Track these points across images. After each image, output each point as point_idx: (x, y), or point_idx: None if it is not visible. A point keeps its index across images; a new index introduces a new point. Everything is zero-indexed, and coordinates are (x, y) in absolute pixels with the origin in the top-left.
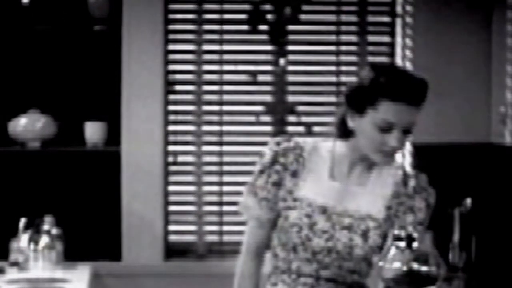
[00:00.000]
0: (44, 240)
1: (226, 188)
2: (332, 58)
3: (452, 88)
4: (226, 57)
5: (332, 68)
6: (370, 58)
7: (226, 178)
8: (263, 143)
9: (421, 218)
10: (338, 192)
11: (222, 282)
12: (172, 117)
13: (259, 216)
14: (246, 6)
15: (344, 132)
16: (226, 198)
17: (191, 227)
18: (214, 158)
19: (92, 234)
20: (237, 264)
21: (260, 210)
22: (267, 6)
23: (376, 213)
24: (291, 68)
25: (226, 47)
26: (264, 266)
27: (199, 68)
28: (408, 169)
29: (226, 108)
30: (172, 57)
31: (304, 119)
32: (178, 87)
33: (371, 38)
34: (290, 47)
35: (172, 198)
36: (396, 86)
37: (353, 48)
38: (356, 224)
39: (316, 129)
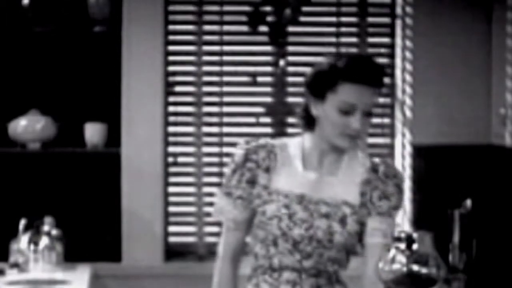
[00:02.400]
0: (44, 241)
1: None
2: None
3: (452, 89)
4: (226, 58)
5: None
6: None
7: None
8: None
9: (395, 203)
10: (312, 182)
11: None
12: (172, 118)
13: (235, 217)
14: (246, 8)
15: (309, 122)
16: None
17: (191, 228)
18: (214, 159)
19: (92, 235)
20: (214, 270)
21: (235, 209)
22: (267, 8)
23: (351, 199)
24: (291, 69)
25: (226, 48)
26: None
27: (199, 69)
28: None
29: (226, 109)
30: (172, 58)
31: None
32: (178, 88)
33: (371, 39)
34: (290, 48)
35: (172, 199)
36: (353, 68)
37: (353, 49)
38: (333, 212)
39: None
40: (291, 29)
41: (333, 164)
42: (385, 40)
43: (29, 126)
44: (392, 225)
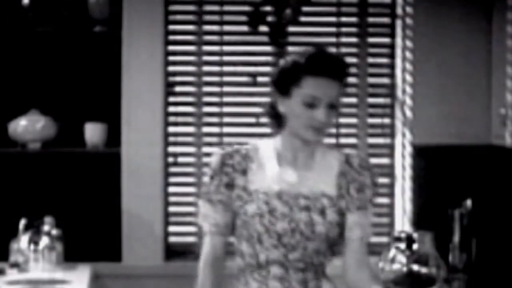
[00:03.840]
0: (44, 241)
1: None
2: None
3: (453, 89)
4: (226, 58)
5: None
6: (370, 60)
7: None
8: None
9: (370, 196)
10: (289, 178)
11: None
12: (172, 118)
13: (217, 222)
14: (246, 8)
15: (277, 119)
16: None
17: (191, 228)
18: None
19: (92, 235)
20: (198, 276)
21: (216, 214)
22: (267, 8)
23: (329, 191)
24: None
25: (226, 48)
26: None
27: (199, 69)
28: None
29: (226, 109)
30: (172, 58)
31: None
32: (178, 88)
33: (371, 39)
34: (290, 49)
35: (172, 199)
36: (316, 62)
37: (353, 49)
38: (313, 204)
39: None
40: (291, 29)
41: (307, 160)
42: (385, 40)
43: (29, 126)
44: (369, 218)
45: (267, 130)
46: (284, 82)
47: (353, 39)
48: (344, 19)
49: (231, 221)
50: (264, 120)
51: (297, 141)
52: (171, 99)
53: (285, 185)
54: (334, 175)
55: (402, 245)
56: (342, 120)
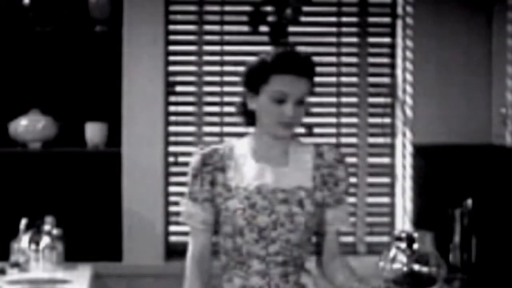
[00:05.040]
0: (44, 240)
1: None
2: (333, 59)
3: (453, 89)
4: (227, 58)
5: (333, 69)
6: (371, 60)
7: None
8: None
9: (345, 188)
10: (266, 173)
11: None
12: (172, 118)
13: (205, 219)
14: (246, 8)
15: (248, 117)
16: None
17: None
18: None
19: (92, 234)
20: (186, 273)
21: (203, 212)
22: (268, 8)
23: (305, 184)
24: None
25: (227, 48)
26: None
27: (199, 69)
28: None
29: (226, 109)
30: (172, 58)
31: (305, 119)
32: (179, 88)
33: (371, 39)
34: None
35: (172, 198)
36: (283, 60)
37: (353, 49)
38: (291, 197)
39: (317, 130)
40: (291, 29)
41: (281, 155)
42: (386, 40)
43: (29, 126)
44: (346, 210)
45: None
46: (253, 80)
47: (354, 39)
48: (344, 19)
49: (216, 218)
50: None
51: (269, 138)
52: (172, 98)
53: (263, 181)
54: (308, 169)
55: (403, 245)
56: (343, 119)
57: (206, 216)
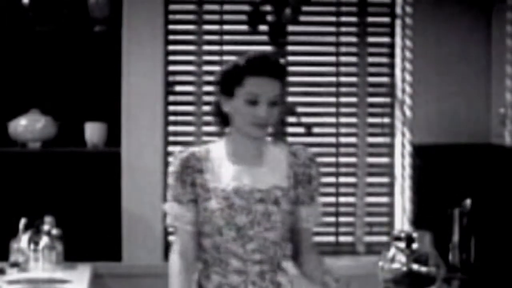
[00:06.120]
0: (44, 240)
1: None
2: (332, 59)
3: (452, 89)
4: (226, 58)
5: (332, 69)
6: (370, 59)
7: None
8: None
9: (317, 186)
10: (243, 174)
11: None
12: (172, 118)
13: (191, 219)
14: (246, 7)
15: (222, 119)
16: None
17: None
18: None
19: (92, 234)
20: (172, 271)
21: (188, 212)
22: (267, 7)
23: (280, 183)
24: (291, 69)
25: (226, 48)
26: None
27: (199, 68)
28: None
29: None
30: (172, 57)
31: (304, 119)
32: (178, 88)
33: (370, 39)
34: (290, 48)
35: None
36: (256, 63)
37: (352, 49)
38: (267, 196)
39: (316, 130)
40: (291, 28)
41: (257, 156)
42: (385, 39)
43: (29, 126)
44: (319, 207)
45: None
46: (227, 83)
47: (353, 39)
48: (343, 18)
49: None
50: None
51: (244, 139)
52: (171, 98)
53: (240, 181)
54: (283, 168)
55: (402, 245)
56: (342, 119)
57: (192, 216)
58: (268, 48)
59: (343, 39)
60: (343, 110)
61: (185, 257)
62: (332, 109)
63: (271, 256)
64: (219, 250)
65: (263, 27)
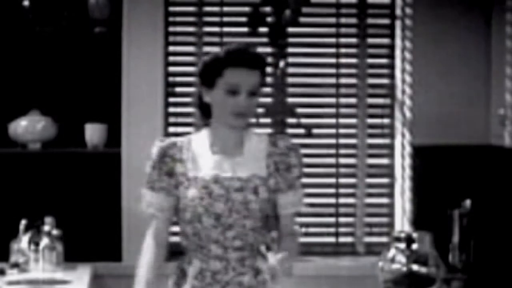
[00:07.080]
0: (44, 241)
1: None
2: (332, 60)
3: (452, 90)
4: None
5: (332, 70)
6: (370, 60)
7: None
8: None
9: (298, 174)
10: (223, 163)
11: None
12: (172, 119)
13: (162, 206)
14: (246, 9)
15: (203, 110)
16: None
17: None
18: None
19: (92, 235)
20: (142, 255)
21: (158, 199)
22: (267, 9)
23: (259, 172)
24: (291, 70)
25: None
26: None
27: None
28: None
29: None
30: (172, 59)
31: (304, 121)
32: (178, 89)
33: (370, 40)
34: (290, 49)
35: None
36: (235, 54)
37: (352, 50)
38: (246, 185)
39: (316, 130)
40: (290, 30)
41: (237, 145)
42: (385, 41)
43: (29, 127)
44: (299, 194)
45: (266, 129)
46: (208, 74)
47: (353, 40)
48: (343, 20)
49: (174, 205)
50: (264, 119)
51: (225, 129)
52: (171, 99)
53: (220, 170)
54: (262, 157)
55: (402, 245)
56: (342, 120)
57: (161, 202)
58: (267, 49)
59: (343, 40)
60: (343, 111)
61: (156, 239)
62: (332, 110)
63: (251, 243)
64: (200, 236)
65: (263, 29)
